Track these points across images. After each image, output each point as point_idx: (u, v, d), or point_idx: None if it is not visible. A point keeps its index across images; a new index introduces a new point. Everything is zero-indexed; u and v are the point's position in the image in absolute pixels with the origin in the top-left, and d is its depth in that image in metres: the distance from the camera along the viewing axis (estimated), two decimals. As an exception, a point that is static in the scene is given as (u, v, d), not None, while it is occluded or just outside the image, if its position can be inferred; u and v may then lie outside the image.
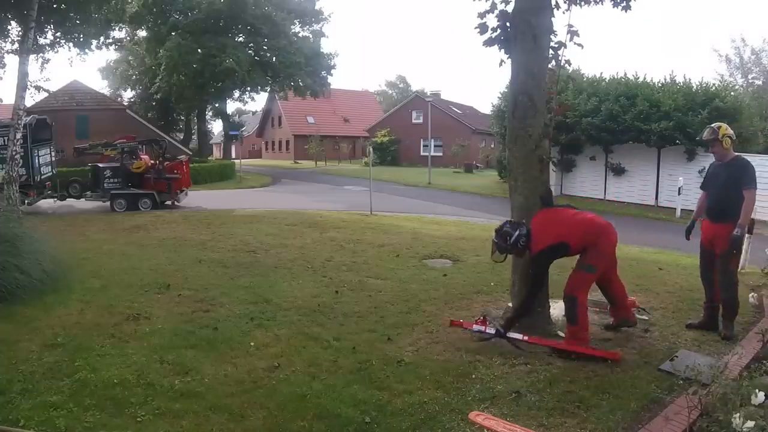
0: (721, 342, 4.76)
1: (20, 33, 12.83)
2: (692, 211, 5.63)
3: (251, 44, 31.54)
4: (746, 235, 7.13)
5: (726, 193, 4.83)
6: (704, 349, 4.63)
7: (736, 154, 4.99)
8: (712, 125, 5.01)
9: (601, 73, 21.93)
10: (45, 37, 15.60)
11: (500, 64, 5.31)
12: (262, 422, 3.31)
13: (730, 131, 4.91)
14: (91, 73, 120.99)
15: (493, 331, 4.57)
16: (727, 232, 4.74)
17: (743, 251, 7.22)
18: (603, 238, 4.52)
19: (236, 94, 34.18)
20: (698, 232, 5.21)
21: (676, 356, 4.32)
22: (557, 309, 5.39)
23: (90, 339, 4.47)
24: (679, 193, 15.59)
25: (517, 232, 4.58)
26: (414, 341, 4.68)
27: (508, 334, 4.50)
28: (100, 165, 14.96)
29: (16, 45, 13.92)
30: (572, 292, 4.45)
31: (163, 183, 14.98)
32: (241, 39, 31.45)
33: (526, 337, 4.48)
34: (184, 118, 43.31)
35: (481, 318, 4.75)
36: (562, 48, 5.09)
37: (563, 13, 5.15)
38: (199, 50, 28.69)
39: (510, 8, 5.02)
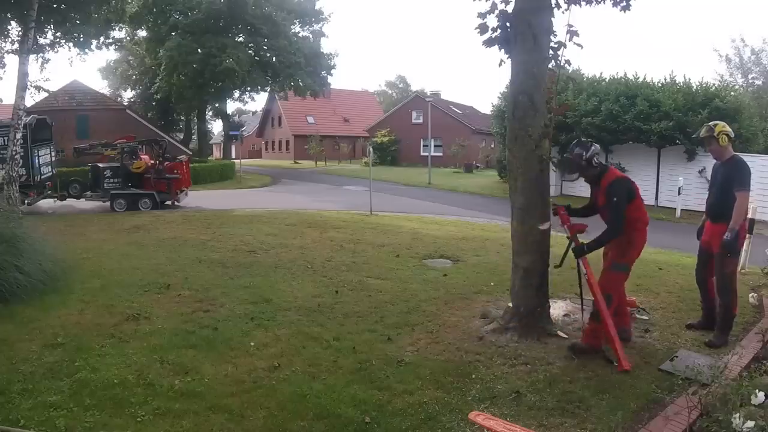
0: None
1: (20, 33, 12.82)
2: (692, 211, 5.62)
3: (251, 44, 31.52)
4: (747, 235, 7.11)
5: (723, 193, 4.78)
6: (704, 349, 4.63)
7: (734, 153, 4.91)
8: (709, 123, 4.97)
9: (601, 73, 21.94)
10: (45, 37, 15.60)
11: (500, 64, 5.31)
12: (262, 422, 3.32)
13: (728, 129, 4.83)
14: (91, 73, 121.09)
15: (575, 244, 4.57)
16: (723, 232, 4.69)
17: (743, 251, 7.20)
18: (643, 230, 4.57)
19: (236, 94, 34.16)
20: None
21: (676, 356, 4.33)
22: (557, 309, 5.40)
23: (90, 339, 4.48)
24: (679, 193, 15.56)
25: (592, 148, 4.54)
26: (414, 341, 4.69)
27: (580, 262, 4.53)
28: (100, 165, 14.98)
29: (16, 45, 13.89)
30: (608, 291, 4.43)
31: (163, 183, 14.99)
32: (241, 39, 31.45)
33: (587, 276, 4.49)
34: (184, 118, 43.36)
35: (571, 224, 4.68)
36: (562, 48, 5.08)
37: (563, 13, 5.14)
38: (199, 50, 28.69)
39: (510, 8, 5.02)
